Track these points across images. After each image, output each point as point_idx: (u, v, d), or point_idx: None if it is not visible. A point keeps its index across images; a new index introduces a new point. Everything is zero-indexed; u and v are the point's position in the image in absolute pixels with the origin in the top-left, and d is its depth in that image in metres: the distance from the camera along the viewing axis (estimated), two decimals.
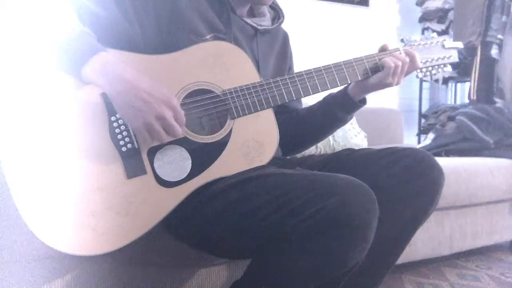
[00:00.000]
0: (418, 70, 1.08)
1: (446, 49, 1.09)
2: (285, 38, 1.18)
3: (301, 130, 1.14)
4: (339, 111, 1.10)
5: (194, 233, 0.90)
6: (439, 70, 1.10)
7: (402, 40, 1.09)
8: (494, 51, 2.56)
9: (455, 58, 1.10)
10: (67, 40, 0.76)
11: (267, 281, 0.79)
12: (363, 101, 1.09)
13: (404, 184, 0.92)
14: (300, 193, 0.74)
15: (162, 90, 0.79)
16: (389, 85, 1.02)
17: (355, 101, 1.07)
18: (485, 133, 2.03)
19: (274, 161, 0.94)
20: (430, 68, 1.09)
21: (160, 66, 0.87)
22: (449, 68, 1.10)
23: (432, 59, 1.08)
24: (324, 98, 1.13)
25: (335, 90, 1.06)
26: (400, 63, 1.00)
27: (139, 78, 0.78)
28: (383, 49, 1.04)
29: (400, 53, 1.03)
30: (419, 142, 3.00)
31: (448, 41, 1.10)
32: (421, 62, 1.06)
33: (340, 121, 1.12)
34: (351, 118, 1.13)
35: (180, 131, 0.81)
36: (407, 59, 1.02)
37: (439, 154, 2.10)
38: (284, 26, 1.16)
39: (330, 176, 0.77)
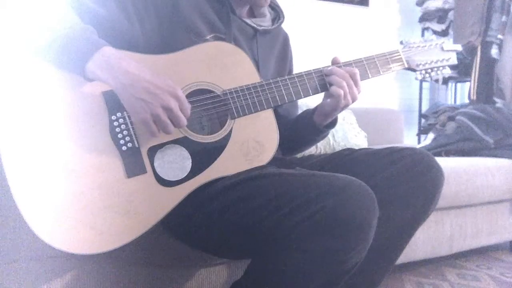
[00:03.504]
0: (418, 72, 1.09)
1: (445, 52, 1.10)
2: (286, 40, 1.18)
3: (288, 139, 1.12)
4: (307, 134, 1.12)
5: (194, 233, 0.90)
6: (438, 72, 1.10)
7: (401, 42, 1.10)
8: (494, 51, 2.56)
9: (454, 60, 1.10)
10: (69, 38, 0.76)
11: (267, 281, 0.79)
12: (333, 123, 1.09)
13: (404, 184, 0.92)
14: (300, 193, 0.74)
15: (167, 81, 0.79)
16: (346, 105, 0.99)
17: (320, 128, 1.07)
18: (485, 133, 2.03)
19: (274, 161, 0.94)
20: (429, 71, 1.10)
21: (160, 66, 0.87)
22: (448, 70, 1.11)
23: (431, 61, 1.08)
24: (299, 116, 1.15)
25: None
26: (345, 85, 0.96)
27: (143, 70, 0.78)
28: (335, 62, 1.01)
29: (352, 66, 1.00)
30: (419, 142, 3.00)
31: (447, 43, 1.10)
32: (420, 64, 1.07)
33: (313, 140, 1.15)
34: (325, 136, 1.13)
35: (185, 121, 0.81)
36: (351, 81, 0.97)
37: (439, 154, 2.10)
38: (284, 26, 1.16)
39: (330, 176, 0.77)
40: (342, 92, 0.96)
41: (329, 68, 0.98)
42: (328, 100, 1.00)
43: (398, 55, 1.06)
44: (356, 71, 0.98)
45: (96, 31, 0.80)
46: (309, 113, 1.09)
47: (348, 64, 1.00)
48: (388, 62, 1.04)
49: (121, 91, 0.78)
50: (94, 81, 0.79)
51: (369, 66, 1.02)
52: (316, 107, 1.06)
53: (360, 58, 1.02)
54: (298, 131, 1.12)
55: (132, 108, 0.78)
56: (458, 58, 1.12)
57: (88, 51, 0.76)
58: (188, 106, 0.81)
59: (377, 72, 1.03)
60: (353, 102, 0.99)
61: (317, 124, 1.07)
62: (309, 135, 1.12)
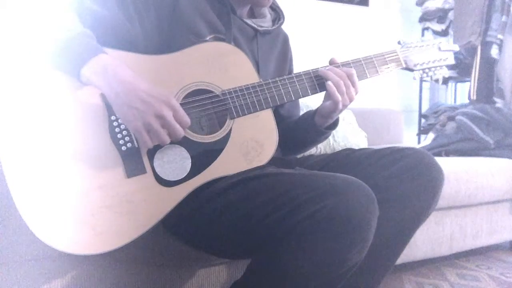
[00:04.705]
0: (415, 72, 1.09)
1: (442, 52, 1.10)
2: (286, 40, 1.18)
3: (291, 139, 1.13)
4: (309, 136, 1.11)
5: (194, 233, 0.90)
6: (436, 72, 1.10)
7: (399, 42, 1.10)
8: (494, 51, 2.55)
9: (451, 60, 1.11)
10: (66, 41, 0.76)
11: (267, 281, 0.79)
12: (335, 124, 1.09)
13: (404, 184, 0.92)
14: (300, 192, 0.74)
15: (161, 90, 0.79)
16: (344, 106, 0.98)
17: (321, 129, 1.07)
18: (485, 133, 2.03)
19: (274, 161, 0.94)
20: (426, 70, 1.10)
21: (160, 66, 0.87)
22: (445, 70, 1.11)
23: (429, 61, 1.09)
24: (300, 117, 1.14)
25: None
26: (342, 85, 0.96)
27: (138, 79, 0.78)
28: (332, 63, 1.01)
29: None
30: (419, 142, 3.00)
31: (444, 43, 1.10)
32: (417, 64, 1.07)
33: (315, 141, 1.14)
34: (327, 137, 1.13)
35: (181, 131, 0.81)
36: (348, 81, 0.97)
37: (439, 154, 2.10)
38: (284, 26, 1.17)
39: (330, 176, 0.77)
40: (338, 93, 0.95)
41: (326, 68, 0.98)
42: (327, 102, 1.00)
43: (395, 55, 1.06)
44: (353, 71, 0.98)
45: (95, 36, 0.80)
46: (311, 115, 1.09)
47: (346, 64, 1.00)
48: (386, 62, 1.04)
49: (114, 99, 0.78)
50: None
51: (367, 66, 1.02)
52: (317, 109, 1.07)
53: (358, 58, 1.02)
54: (300, 132, 1.12)
55: (125, 117, 0.78)
56: (458, 58, 1.13)
57: (85, 55, 0.76)
58: (184, 115, 0.80)
59: (375, 72, 1.03)
60: (350, 102, 0.99)
61: (318, 125, 1.07)
62: (311, 136, 1.12)
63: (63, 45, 0.76)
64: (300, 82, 0.96)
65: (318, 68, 0.98)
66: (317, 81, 0.98)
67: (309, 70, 0.98)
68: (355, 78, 0.97)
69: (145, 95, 0.77)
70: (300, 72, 0.97)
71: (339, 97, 0.96)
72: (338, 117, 1.08)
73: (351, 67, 1.00)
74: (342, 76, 0.96)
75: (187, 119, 0.81)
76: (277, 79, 0.94)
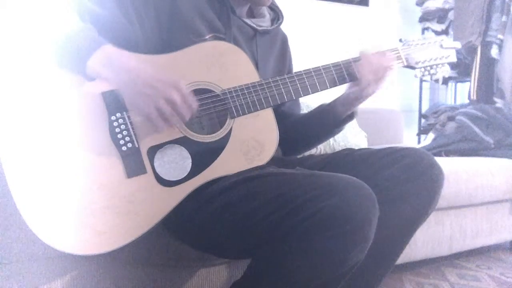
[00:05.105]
0: (417, 70, 1.08)
1: (444, 49, 1.09)
2: (284, 40, 1.19)
3: (296, 136, 1.13)
4: (326, 125, 1.11)
5: (194, 232, 0.90)
6: (437, 70, 1.10)
7: (400, 40, 1.09)
8: (494, 51, 2.56)
9: (453, 58, 1.10)
10: (69, 37, 0.76)
11: (267, 281, 0.79)
12: (351, 117, 1.09)
13: (404, 184, 0.92)
14: (300, 192, 0.74)
15: (168, 75, 0.79)
16: (371, 93, 1.01)
17: (341, 117, 1.08)
18: (485, 133, 2.03)
19: (274, 161, 0.94)
20: (428, 68, 1.09)
21: (160, 66, 0.87)
22: (447, 68, 1.10)
23: (431, 59, 1.08)
24: (315, 109, 1.14)
25: (333, 90, 1.05)
26: (377, 67, 0.99)
27: (144, 66, 0.79)
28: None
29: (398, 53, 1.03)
30: (419, 142, 3.00)
31: (446, 41, 1.10)
32: (419, 62, 1.07)
33: (329, 133, 1.14)
34: (341, 129, 1.14)
35: (190, 114, 0.81)
36: (384, 62, 1.00)
37: (439, 154, 2.10)
38: (284, 26, 1.16)
39: (330, 176, 0.77)
40: (371, 78, 0.97)
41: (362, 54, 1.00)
42: (353, 88, 1.00)
43: (397, 53, 1.05)
44: (391, 61, 0.99)
45: (95, 29, 0.80)
46: (325, 107, 1.09)
47: (347, 62, 1.00)
48: None
49: (123, 88, 0.78)
50: (93, 81, 0.79)
51: None
52: (337, 99, 1.07)
53: (360, 57, 1.02)
54: (311, 126, 1.12)
55: (136, 104, 0.79)
56: (458, 58, 1.12)
57: (89, 49, 0.77)
58: (192, 98, 0.81)
59: None
60: (376, 91, 1.01)
61: (339, 114, 1.07)
62: (325, 129, 1.12)
63: (66, 43, 0.76)
64: (300, 81, 0.96)
65: (319, 66, 0.98)
66: (318, 79, 0.98)
67: (309, 69, 0.97)
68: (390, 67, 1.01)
69: (153, 80, 0.78)
70: (300, 71, 0.97)
71: (370, 84, 0.98)
72: (357, 109, 1.08)
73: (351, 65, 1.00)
74: (377, 64, 0.98)
75: (195, 103, 0.81)
76: (277, 78, 0.94)
